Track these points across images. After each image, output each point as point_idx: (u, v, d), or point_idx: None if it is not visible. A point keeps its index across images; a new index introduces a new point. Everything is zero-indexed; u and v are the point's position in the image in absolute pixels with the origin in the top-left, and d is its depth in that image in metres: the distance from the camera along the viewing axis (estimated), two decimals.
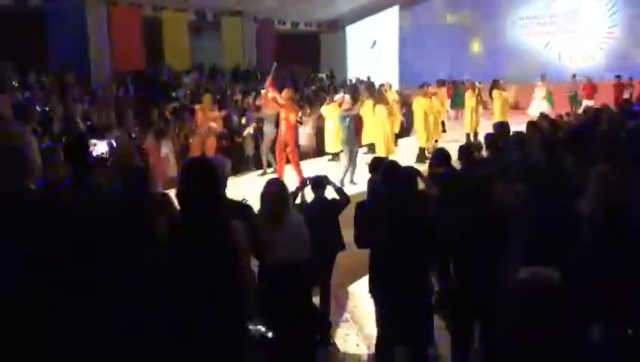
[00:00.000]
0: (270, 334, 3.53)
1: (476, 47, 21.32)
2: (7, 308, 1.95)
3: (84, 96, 12.41)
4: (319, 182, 5.02)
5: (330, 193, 5.11)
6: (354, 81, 20.55)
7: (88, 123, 10.47)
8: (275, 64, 9.97)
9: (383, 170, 4.16)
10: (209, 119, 9.85)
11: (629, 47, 18.54)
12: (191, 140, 9.88)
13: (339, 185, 5.92)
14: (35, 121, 9.79)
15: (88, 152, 2.91)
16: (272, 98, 9.35)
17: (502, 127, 5.91)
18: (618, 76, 16.79)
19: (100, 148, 5.06)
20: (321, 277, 4.95)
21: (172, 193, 3.44)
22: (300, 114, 13.50)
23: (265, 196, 3.88)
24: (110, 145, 4.80)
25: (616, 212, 3.39)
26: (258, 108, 11.97)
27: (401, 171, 4.14)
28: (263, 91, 10.76)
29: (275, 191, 3.89)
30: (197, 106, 10.18)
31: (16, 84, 12.28)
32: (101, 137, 8.01)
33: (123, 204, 2.94)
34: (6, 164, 2.17)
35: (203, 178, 2.89)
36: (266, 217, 3.85)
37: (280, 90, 9.61)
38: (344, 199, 4.99)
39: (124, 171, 3.08)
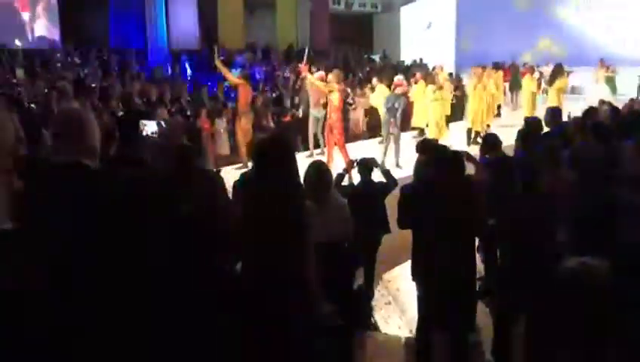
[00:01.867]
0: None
1: (536, 29, 20.56)
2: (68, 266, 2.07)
3: (141, 74, 12.75)
4: (366, 165, 5.03)
5: (378, 176, 5.11)
6: (408, 63, 20.29)
7: (144, 100, 10.77)
8: (307, 49, 10.02)
9: (432, 152, 4.13)
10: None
11: None
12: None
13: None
14: (94, 97, 10.16)
15: (138, 130, 3.00)
16: (311, 83, 9.40)
17: (553, 112, 5.73)
18: None
19: (150, 127, 5.19)
20: (366, 260, 4.99)
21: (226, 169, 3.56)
22: (350, 96, 13.49)
23: (306, 178, 3.92)
24: (160, 125, 4.93)
25: None
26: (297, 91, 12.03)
27: (450, 155, 4.09)
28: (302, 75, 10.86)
29: (315, 173, 3.91)
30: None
31: (78, 61, 12.74)
32: (153, 116, 8.22)
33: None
34: (67, 139, 2.31)
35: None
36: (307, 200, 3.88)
37: (325, 73, 9.69)
38: (391, 182, 4.99)
39: (173, 150, 3.16)
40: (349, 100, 13.53)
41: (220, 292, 2.73)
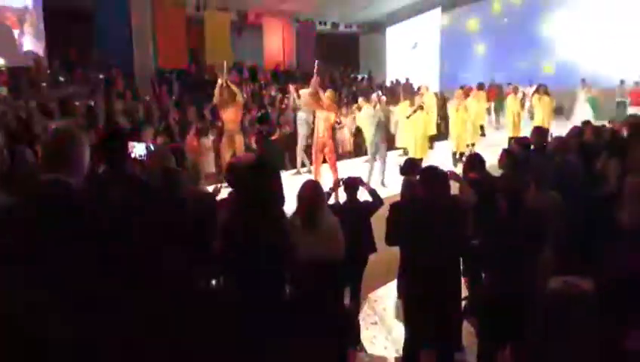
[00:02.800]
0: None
1: (517, 49, 20.89)
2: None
3: (127, 93, 12.73)
4: (352, 184, 5.04)
5: (364, 195, 5.13)
6: (393, 83, 20.48)
7: (130, 119, 10.74)
8: (317, 62, 9.96)
9: (422, 172, 4.16)
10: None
11: None
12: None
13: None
14: (80, 116, 10.13)
15: (125, 146, 2.99)
16: (316, 98, 9.33)
17: (539, 132, 5.81)
18: None
19: (138, 150, 5.17)
20: (353, 279, 4.98)
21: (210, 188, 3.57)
22: (338, 115, 13.59)
23: (301, 197, 3.93)
24: (148, 148, 4.91)
25: None
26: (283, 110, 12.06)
27: (436, 174, 4.13)
28: (292, 87, 10.86)
29: (310, 193, 3.92)
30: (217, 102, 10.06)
31: (63, 80, 12.70)
32: (139, 136, 8.19)
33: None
34: (55, 158, 2.33)
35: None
36: (302, 218, 3.89)
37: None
38: (377, 201, 5.00)
39: (161, 172, 3.17)
40: (337, 120, 13.61)
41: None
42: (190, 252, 2.97)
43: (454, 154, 11.85)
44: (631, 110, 15.48)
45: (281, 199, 3.18)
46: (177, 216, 2.79)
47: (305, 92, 9.75)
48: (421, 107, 11.04)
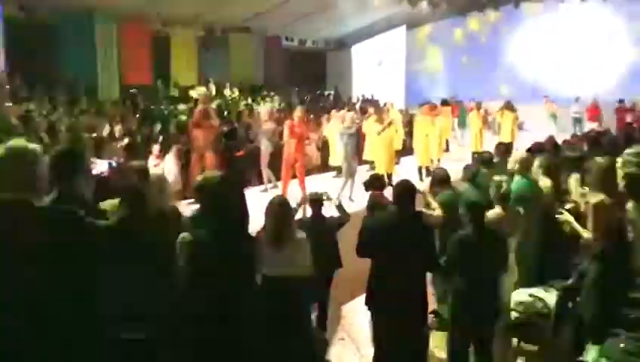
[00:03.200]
0: None
1: (481, 67, 21.38)
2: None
3: (91, 108, 12.53)
4: (318, 199, 5.05)
5: (332, 210, 5.14)
6: (360, 99, 20.67)
7: (93, 135, 10.56)
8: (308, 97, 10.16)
9: (394, 186, 4.20)
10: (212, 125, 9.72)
11: (632, 72, 18.61)
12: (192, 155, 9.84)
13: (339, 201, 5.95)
14: (41, 132, 9.90)
15: (82, 163, 2.92)
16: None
17: (503, 147, 5.93)
18: (620, 100, 16.83)
19: (100, 167, 5.06)
20: (320, 295, 4.97)
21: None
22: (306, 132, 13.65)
23: (269, 214, 3.91)
24: (110, 165, 4.81)
25: (613, 240, 3.41)
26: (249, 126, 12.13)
27: (410, 188, 4.18)
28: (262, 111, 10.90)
29: (278, 209, 3.91)
30: (191, 121, 10.06)
31: (25, 95, 12.43)
32: (102, 152, 8.07)
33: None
34: (12, 176, 2.29)
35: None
36: (270, 234, 3.87)
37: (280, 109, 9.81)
38: (344, 216, 5.02)
39: (122, 191, 3.12)
40: (306, 135, 13.64)
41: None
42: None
43: (420, 168, 11.99)
44: (588, 125, 15.98)
45: (245, 215, 3.16)
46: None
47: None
48: (390, 123, 11.19)
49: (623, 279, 3.40)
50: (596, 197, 3.54)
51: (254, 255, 3.10)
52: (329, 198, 5.11)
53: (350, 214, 5.13)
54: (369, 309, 4.11)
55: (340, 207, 5.10)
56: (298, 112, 9.36)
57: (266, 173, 10.90)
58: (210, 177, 3.16)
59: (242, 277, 2.99)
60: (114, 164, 4.96)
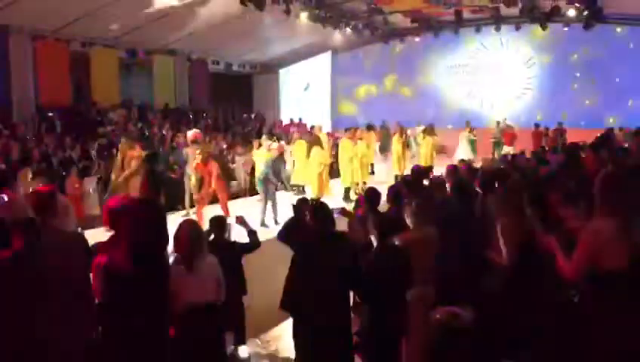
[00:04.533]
0: None
1: (406, 92, 22.07)
2: None
3: (3, 130, 11.91)
4: (218, 224, 4.97)
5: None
6: (285, 122, 20.78)
7: (6, 159, 10.04)
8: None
9: (311, 209, 4.22)
10: (131, 157, 9.53)
11: (545, 97, 19.82)
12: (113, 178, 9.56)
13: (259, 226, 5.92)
14: None
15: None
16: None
17: (419, 170, 6.14)
18: (537, 125, 17.80)
19: None
20: (234, 322, 4.90)
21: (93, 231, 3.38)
22: (230, 155, 13.60)
23: (178, 238, 3.82)
24: (2, 199, 4.52)
25: (525, 259, 3.58)
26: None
27: (320, 209, 4.23)
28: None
29: (187, 233, 3.81)
30: (120, 144, 9.84)
31: None
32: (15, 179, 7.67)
33: None
34: None
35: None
36: (180, 259, 3.77)
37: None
38: (252, 244, 4.97)
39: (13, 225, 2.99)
40: (229, 158, 13.57)
41: None
42: None
43: (347, 190, 12.17)
44: (505, 148, 16.76)
45: (164, 240, 3.11)
46: None
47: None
48: (321, 145, 11.41)
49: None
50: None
51: (166, 278, 3.03)
52: (244, 223, 5.05)
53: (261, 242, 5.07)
54: (293, 337, 4.10)
55: (250, 233, 5.02)
56: (192, 135, 9.69)
57: (188, 197, 10.71)
58: (123, 201, 3.08)
59: (155, 300, 2.90)
60: (5, 198, 4.67)
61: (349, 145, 12.47)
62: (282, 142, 11.30)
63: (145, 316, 2.90)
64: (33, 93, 14.02)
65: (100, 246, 3.83)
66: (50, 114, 13.73)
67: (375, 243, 4.21)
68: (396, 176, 13.85)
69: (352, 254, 4.09)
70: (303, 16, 15.57)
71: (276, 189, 10.08)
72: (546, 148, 12.88)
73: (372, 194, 5.30)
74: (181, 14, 14.46)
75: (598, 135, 12.00)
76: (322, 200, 6.90)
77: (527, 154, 11.01)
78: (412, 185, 5.76)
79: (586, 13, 16.12)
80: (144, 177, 9.26)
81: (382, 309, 3.83)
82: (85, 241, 3.73)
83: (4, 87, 13.46)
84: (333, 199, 11.26)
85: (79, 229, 7.09)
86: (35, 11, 12.26)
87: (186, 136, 11.05)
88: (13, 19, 12.56)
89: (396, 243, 3.91)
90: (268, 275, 4.84)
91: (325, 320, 3.86)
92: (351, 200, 10.90)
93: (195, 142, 10.20)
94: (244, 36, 17.65)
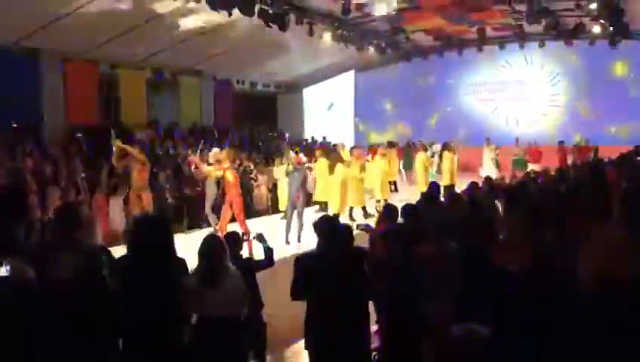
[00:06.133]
0: None
1: (430, 110, 22.04)
2: None
3: (33, 149, 12.22)
4: (233, 239, 5.02)
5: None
6: (309, 141, 20.93)
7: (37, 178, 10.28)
8: (202, 143, 10.83)
9: (321, 226, 4.26)
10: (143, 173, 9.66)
11: (570, 115, 19.63)
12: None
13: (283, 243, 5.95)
14: None
15: (22, 206, 2.90)
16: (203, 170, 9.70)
17: (437, 186, 6.15)
18: (561, 142, 17.61)
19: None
20: (252, 339, 4.93)
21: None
22: (254, 173, 13.72)
23: (201, 253, 3.89)
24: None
25: (538, 269, 3.55)
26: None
27: (340, 228, 4.26)
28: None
29: (211, 248, 3.90)
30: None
31: None
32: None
33: None
34: None
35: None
36: (203, 274, 3.83)
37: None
38: (266, 261, 5.02)
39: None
40: (252, 176, 13.70)
41: None
42: None
43: (364, 208, 12.15)
44: (530, 166, 16.58)
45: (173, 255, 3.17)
46: None
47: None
48: (347, 163, 11.48)
49: None
50: None
51: (177, 294, 3.07)
52: (262, 240, 5.10)
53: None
54: (306, 348, 4.11)
55: (266, 251, 5.06)
56: (223, 154, 9.50)
57: (210, 217, 10.82)
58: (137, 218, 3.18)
59: (165, 314, 2.95)
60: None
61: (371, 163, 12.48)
62: (301, 155, 11.36)
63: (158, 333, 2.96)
64: (63, 113, 14.40)
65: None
66: (79, 134, 14.06)
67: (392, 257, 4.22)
68: (422, 194, 13.79)
69: (368, 273, 4.11)
70: (327, 36, 15.76)
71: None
72: (572, 165, 12.75)
73: (390, 210, 5.33)
74: (206, 36, 14.76)
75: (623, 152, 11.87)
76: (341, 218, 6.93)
77: (552, 172, 10.90)
78: (429, 201, 5.77)
79: (611, 29, 15.96)
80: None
81: (398, 323, 3.83)
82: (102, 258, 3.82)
83: (35, 108, 13.85)
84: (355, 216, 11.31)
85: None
86: (65, 35, 12.64)
87: (209, 156, 11.19)
88: (44, 42, 12.96)
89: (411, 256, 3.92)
90: (288, 291, 4.86)
91: (349, 345, 3.88)
92: (369, 216, 10.96)
93: (219, 160, 10.30)
94: (269, 56, 17.91)
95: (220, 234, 8.46)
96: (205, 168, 9.67)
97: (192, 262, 3.94)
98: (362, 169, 12.22)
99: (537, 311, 3.53)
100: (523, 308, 3.47)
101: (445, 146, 14.94)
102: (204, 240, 3.97)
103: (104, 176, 10.78)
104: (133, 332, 3.03)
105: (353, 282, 3.99)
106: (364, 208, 12.12)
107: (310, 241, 5.94)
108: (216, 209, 10.56)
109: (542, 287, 3.47)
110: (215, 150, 10.88)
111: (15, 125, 12.95)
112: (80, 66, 14.67)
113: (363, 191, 12.50)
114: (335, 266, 4.01)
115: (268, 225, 10.27)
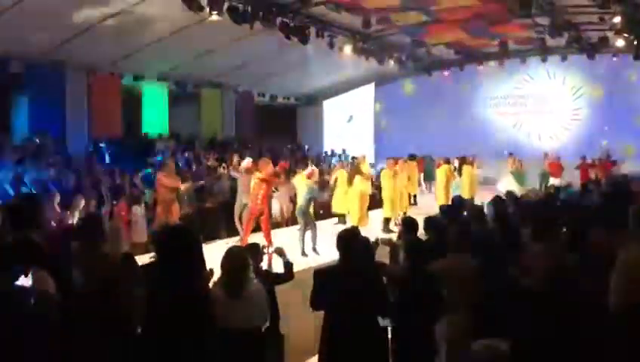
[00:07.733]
0: None
1: (450, 123, 21.91)
2: None
3: (58, 160, 12.43)
4: (253, 251, 5.01)
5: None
6: (329, 154, 20.97)
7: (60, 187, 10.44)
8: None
9: (340, 238, 4.26)
10: (171, 186, 9.73)
11: (593, 128, 19.40)
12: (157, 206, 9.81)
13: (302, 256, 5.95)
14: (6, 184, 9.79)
15: (40, 215, 2.94)
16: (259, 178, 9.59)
17: (459, 199, 6.11)
18: (583, 157, 17.39)
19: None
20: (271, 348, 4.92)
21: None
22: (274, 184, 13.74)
23: (224, 265, 3.90)
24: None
25: (558, 286, 3.51)
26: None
27: (358, 240, 4.25)
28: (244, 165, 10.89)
29: (235, 260, 3.91)
30: (159, 173, 10.10)
31: None
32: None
33: None
34: None
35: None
36: (225, 286, 3.85)
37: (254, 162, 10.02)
38: (286, 275, 5.02)
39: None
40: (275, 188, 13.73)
41: None
42: None
43: (386, 219, 12.06)
44: (552, 180, 16.38)
45: (200, 267, 3.20)
46: None
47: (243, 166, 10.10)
48: (368, 177, 11.48)
49: None
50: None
51: (205, 305, 3.09)
52: (282, 254, 5.10)
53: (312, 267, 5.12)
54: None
55: (286, 265, 5.07)
56: (264, 164, 9.51)
57: (239, 225, 10.83)
58: (164, 228, 3.21)
59: (192, 327, 2.97)
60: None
61: (388, 175, 12.45)
62: (314, 167, 11.39)
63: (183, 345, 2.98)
64: (87, 125, 14.64)
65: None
66: (102, 145, 14.27)
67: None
68: (441, 207, 13.69)
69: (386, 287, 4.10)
70: (347, 48, 15.81)
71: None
72: (594, 180, 12.58)
73: (409, 223, 5.31)
74: (228, 49, 14.92)
75: None
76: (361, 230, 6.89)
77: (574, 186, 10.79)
78: (450, 214, 5.74)
79: (635, 43, 15.75)
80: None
81: (412, 336, 3.81)
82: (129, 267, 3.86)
83: (60, 120, 14.10)
84: (371, 230, 11.24)
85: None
86: (89, 48, 12.88)
87: (237, 166, 11.30)
88: (68, 55, 13.22)
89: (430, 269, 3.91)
90: (306, 304, 4.86)
91: (354, 349, 3.86)
92: (390, 231, 10.88)
93: (249, 170, 10.31)
94: (289, 69, 18.04)
95: (241, 244, 8.53)
96: (257, 175, 9.52)
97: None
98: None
99: (560, 331, 3.49)
100: (544, 327, 3.43)
101: (464, 160, 14.84)
102: (229, 251, 3.98)
103: (127, 186, 10.92)
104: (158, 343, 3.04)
105: (369, 296, 3.98)
106: (386, 220, 12.05)
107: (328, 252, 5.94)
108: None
109: (564, 308, 3.43)
110: (248, 160, 10.94)
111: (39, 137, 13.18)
112: (104, 79, 14.92)
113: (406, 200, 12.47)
114: (351, 280, 4.00)
115: (288, 237, 10.30)
